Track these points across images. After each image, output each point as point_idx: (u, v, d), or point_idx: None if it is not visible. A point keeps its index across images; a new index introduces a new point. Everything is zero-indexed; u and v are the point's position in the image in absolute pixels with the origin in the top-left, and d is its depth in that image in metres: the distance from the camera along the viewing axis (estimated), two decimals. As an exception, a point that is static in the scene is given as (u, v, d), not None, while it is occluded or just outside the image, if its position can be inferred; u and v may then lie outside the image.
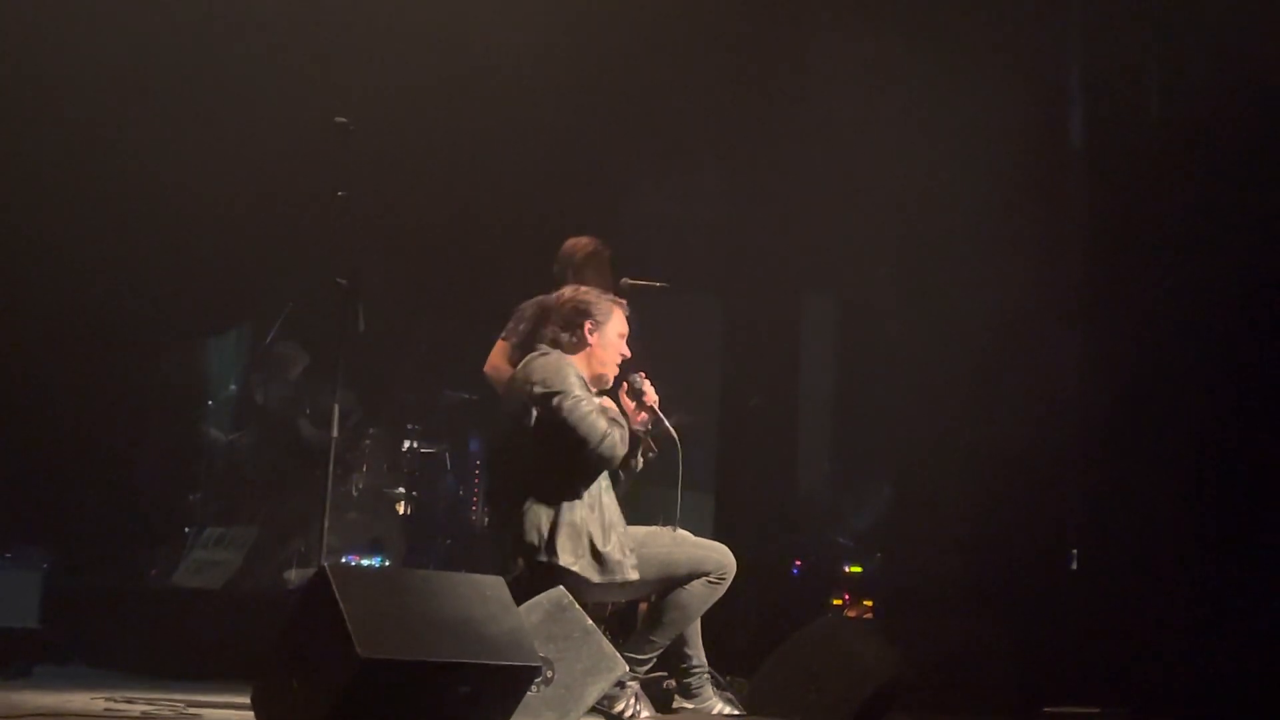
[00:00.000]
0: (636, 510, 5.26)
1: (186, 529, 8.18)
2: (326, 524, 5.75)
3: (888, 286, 7.95)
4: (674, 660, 5.10)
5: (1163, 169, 6.74)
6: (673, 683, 5.13)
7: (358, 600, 3.72)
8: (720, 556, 5.03)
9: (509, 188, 8.39)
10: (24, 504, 7.67)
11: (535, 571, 4.79)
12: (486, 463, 8.50)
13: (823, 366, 8.82)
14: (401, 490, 8.32)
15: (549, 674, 4.39)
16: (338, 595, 3.70)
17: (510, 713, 4.06)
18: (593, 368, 5.01)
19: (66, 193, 7.88)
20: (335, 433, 5.84)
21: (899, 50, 7.63)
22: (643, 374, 5.08)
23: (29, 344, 7.80)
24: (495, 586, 4.14)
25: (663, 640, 5.00)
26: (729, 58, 8.20)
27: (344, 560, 7.76)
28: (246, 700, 4.02)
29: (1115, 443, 6.70)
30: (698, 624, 5.10)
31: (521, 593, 4.54)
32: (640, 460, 5.10)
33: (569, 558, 4.78)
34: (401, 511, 8.31)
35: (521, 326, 6.05)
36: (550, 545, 4.79)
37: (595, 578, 4.81)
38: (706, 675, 5.14)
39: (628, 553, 4.88)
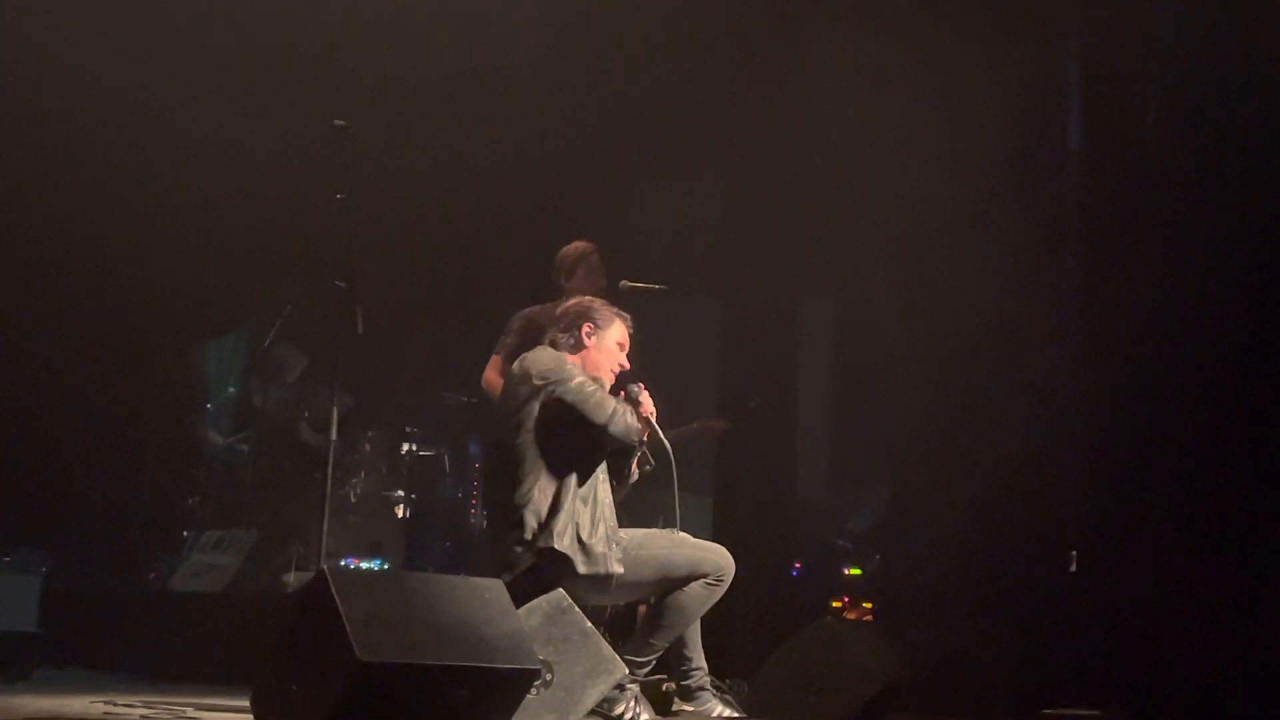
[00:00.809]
0: (635, 516, 5.27)
1: (185, 532, 8.18)
2: (325, 527, 5.76)
3: (886, 289, 7.94)
4: (673, 663, 5.10)
5: (1160, 170, 6.74)
6: (672, 685, 5.13)
7: (357, 603, 3.72)
8: (719, 558, 5.03)
9: (508, 190, 8.40)
10: (23, 507, 7.67)
11: (533, 556, 4.80)
12: (486, 463, 8.50)
13: (821, 369, 8.82)
14: (400, 493, 8.32)
15: (548, 677, 4.39)
16: (337, 598, 3.69)
17: (510, 716, 4.06)
18: (587, 370, 5.02)
19: (66, 196, 7.89)
20: (334, 436, 5.85)
21: (896, 52, 7.63)
22: (640, 385, 5.09)
23: (28, 347, 7.81)
24: (494, 589, 4.14)
25: (662, 642, 5.00)
26: (727, 60, 8.20)
27: (343, 563, 7.76)
28: (245, 703, 4.02)
29: (1113, 444, 6.70)
30: (697, 626, 5.10)
31: (519, 584, 4.58)
32: (636, 471, 5.13)
33: (567, 543, 4.79)
34: (400, 514, 8.31)
35: (509, 339, 6.10)
36: (547, 530, 4.80)
37: (582, 567, 4.80)
38: (706, 678, 5.14)
39: (613, 547, 4.88)
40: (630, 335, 5.17)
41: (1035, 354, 7.10)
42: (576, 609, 4.56)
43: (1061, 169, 7.29)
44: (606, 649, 4.56)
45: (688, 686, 5.11)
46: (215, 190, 8.04)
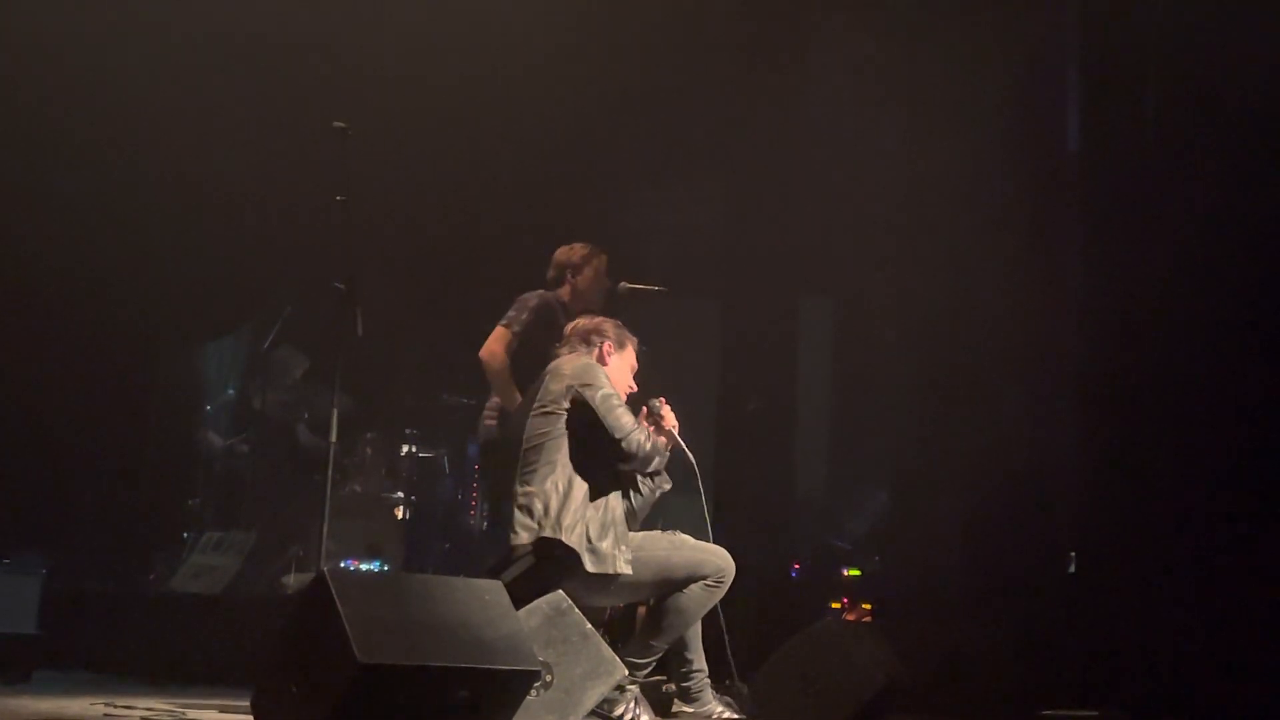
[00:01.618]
0: (642, 522, 5.30)
1: (185, 534, 8.19)
2: (325, 529, 5.76)
3: (885, 291, 7.95)
4: (673, 664, 5.11)
5: (1159, 171, 6.74)
6: (672, 686, 5.13)
7: (356, 605, 3.72)
8: (718, 560, 5.04)
9: (507, 192, 8.40)
10: (23, 509, 7.68)
11: (536, 546, 4.82)
12: (486, 463, 8.49)
13: (821, 370, 8.83)
14: (400, 495, 8.32)
15: (548, 678, 4.39)
16: (336, 600, 3.70)
17: (509, 717, 4.06)
18: None
19: (67, 197, 7.90)
20: (333, 437, 5.85)
21: (896, 55, 7.64)
22: (662, 399, 5.17)
23: (28, 349, 7.81)
24: (494, 591, 4.14)
25: (662, 644, 5.00)
26: (727, 63, 8.21)
27: (342, 565, 7.76)
28: (245, 705, 4.02)
29: (1112, 445, 6.70)
30: (697, 628, 5.10)
31: (521, 579, 4.61)
32: (657, 485, 5.17)
33: (575, 539, 4.80)
34: (400, 516, 8.31)
35: (524, 316, 6.09)
36: (556, 522, 4.82)
37: (589, 566, 4.82)
38: (706, 679, 5.14)
39: (622, 549, 4.90)
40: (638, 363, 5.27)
41: (1034, 355, 7.11)
42: (576, 610, 4.57)
43: (1060, 170, 7.30)
44: (606, 650, 4.56)
45: (687, 688, 5.11)
46: (215, 192, 8.05)
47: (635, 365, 5.25)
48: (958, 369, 7.25)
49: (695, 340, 8.39)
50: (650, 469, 5.08)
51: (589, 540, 4.84)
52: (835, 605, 7.70)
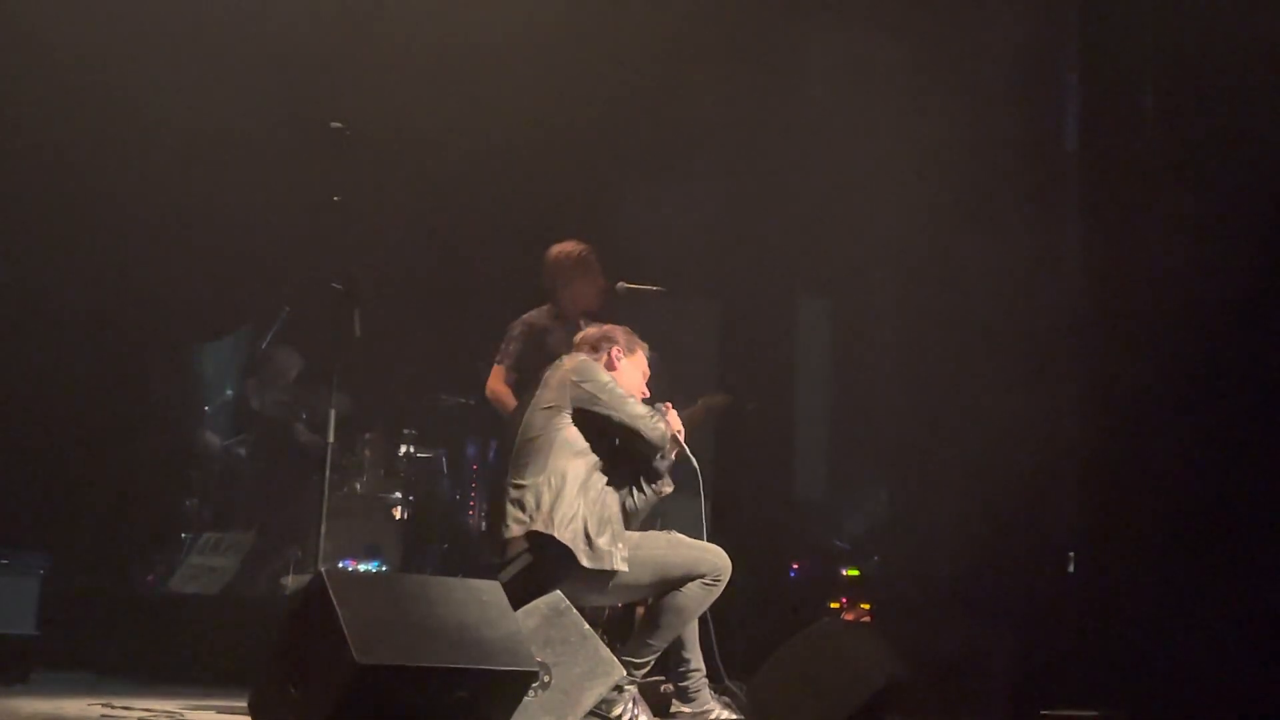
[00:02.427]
0: (641, 523, 5.30)
1: (183, 535, 8.17)
2: (323, 529, 5.76)
3: (884, 290, 7.95)
4: (672, 664, 5.11)
5: (1158, 170, 6.74)
6: (670, 686, 5.13)
7: (354, 606, 3.72)
8: (715, 558, 5.04)
9: (505, 192, 8.39)
10: (21, 509, 7.67)
11: (529, 541, 4.82)
12: (484, 465, 8.49)
13: (819, 370, 8.82)
14: (398, 495, 8.31)
15: (546, 678, 4.39)
16: (334, 601, 3.70)
17: (508, 717, 4.06)
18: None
19: (63, 198, 7.88)
20: (331, 438, 5.85)
21: (894, 54, 7.64)
22: (667, 404, 5.19)
23: (26, 349, 7.80)
24: (492, 591, 4.14)
25: (660, 643, 5.00)
26: (725, 62, 8.21)
27: (340, 565, 7.75)
28: (243, 706, 4.02)
29: (1112, 445, 6.70)
30: (695, 627, 5.10)
31: (518, 576, 4.64)
32: (658, 489, 5.18)
33: (566, 534, 4.80)
34: (398, 516, 8.30)
35: (511, 347, 6.09)
36: (549, 518, 4.83)
37: (585, 561, 4.82)
38: (704, 679, 5.14)
39: (619, 545, 4.91)
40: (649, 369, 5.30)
41: (1033, 355, 7.11)
42: (574, 610, 4.57)
43: (1059, 169, 7.30)
44: (604, 650, 4.56)
45: (686, 688, 5.11)
46: (213, 192, 8.04)
47: (647, 371, 5.27)
48: (956, 369, 7.25)
49: (694, 340, 8.39)
50: (661, 447, 5.08)
51: (585, 535, 4.85)
52: (834, 605, 7.71)
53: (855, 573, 8.02)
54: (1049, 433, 6.96)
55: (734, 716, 5.14)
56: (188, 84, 7.94)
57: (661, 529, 5.22)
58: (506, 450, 5.12)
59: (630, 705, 4.79)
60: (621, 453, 5.07)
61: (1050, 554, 6.95)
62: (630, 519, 5.16)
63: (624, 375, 5.17)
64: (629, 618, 5.26)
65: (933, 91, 7.40)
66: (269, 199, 8.12)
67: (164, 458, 8.74)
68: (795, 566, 8.23)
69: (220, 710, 5.04)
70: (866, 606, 7.66)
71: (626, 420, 4.97)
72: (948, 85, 7.30)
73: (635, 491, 5.19)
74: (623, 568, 4.88)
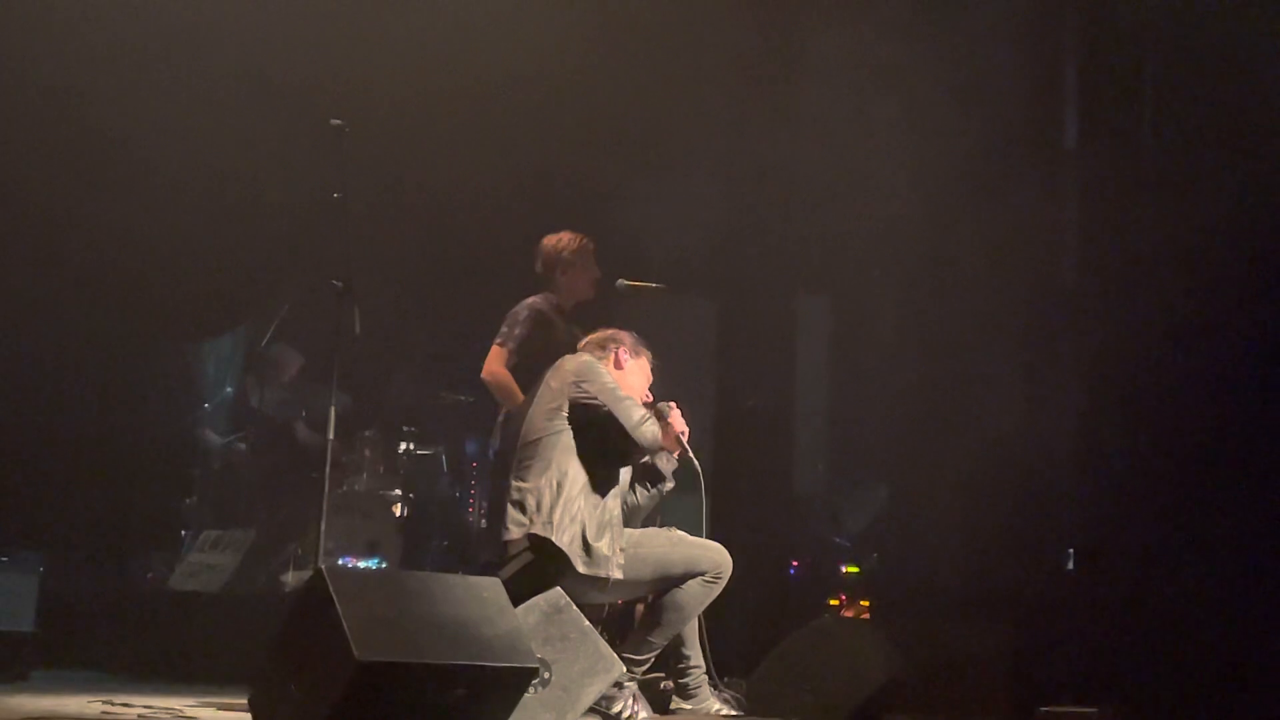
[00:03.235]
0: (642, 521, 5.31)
1: (183, 532, 8.18)
2: (323, 526, 5.76)
3: (883, 287, 7.95)
4: (672, 661, 5.11)
5: (1157, 169, 6.75)
6: (670, 683, 5.13)
7: (355, 603, 3.72)
8: (716, 555, 5.05)
9: (504, 189, 8.39)
10: (20, 507, 7.67)
11: (528, 543, 4.83)
12: (484, 462, 8.49)
13: (819, 367, 8.82)
14: (398, 492, 8.31)
15: (546, 675, 4.39)
16: (335, 598, 3.70)
17: (508, 714, 4.06)
18: (620, 387, 5.10)
19: (63, 196, 7.88)
20: (331, 435, 5.85)
21: (894, 52, 7.63)
22: (672, 403, 5.18)
23: (26, 347, 7.80)
24: (492, 588, 4.14)
25: (660, 640, 5.01)
26: (724, 60, 8.20)
27: (341, 562, 7.76)
28: (244, 703, 4.02)
29: (1111, 442, 6.71)
30: (695, 624, 5.10)
31: (517, 576, 4.65)
32: (661, 488, 5.18)
33: (565, 539, 4.81)
34: (398, 514, 8.30)
35: (517, 331, 6.07)
36: (547, 521, 4.83)
37: (581, 567, 4.83)
38: (704, 676, 5.14)
39: (617, 551, 4.92)
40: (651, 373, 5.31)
41: (1033, 352, 7.11)
42: (574, 607, 4.57)
43: (1058, 167, 7.30)
44: (604, 647, 4.56)
45: (685, 684, 5.12)
46: (213, 190, 8.04)
47: (650, 377, 5.27)
48: (956, 366, 7.25)
49: (694, 337, 8.38)
50: (657, 451, 5.09)
51: (583, 540, 4.86)
52: (833, 602, 7.70)
53: (855, 570, 8.02)
54: (1048, 430, 6.96)
55: (734, 713, 5.14)
56: (187, 82, 7.94)
57: (662, 527, 5.22)
58: (509, 448, 5.13)
59: (630, 702, 4.80)
60: (621, 449, 5.07)
61: (1049, 551, 6.94)
62: (632, 516, 5.17)
63: (628, 377, 5.18)
64: (629, 614, 5.26)
65: (932, 87, 7.39)
66: (269, 196, 8.12)
67: (164, 455, 8.75)
68: (795, 564, 8.23)
69: (221, 707, 5.04)
70: (866, 604, 7.66)
71: (620, 421, 4.96)
72: (947, 83, 7.29)
73: (637, 489, 5.21)
74: (618, 575, 4.89)
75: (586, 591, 4.86)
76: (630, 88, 8.14)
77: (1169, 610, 6.25)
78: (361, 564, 7.89)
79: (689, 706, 5.10)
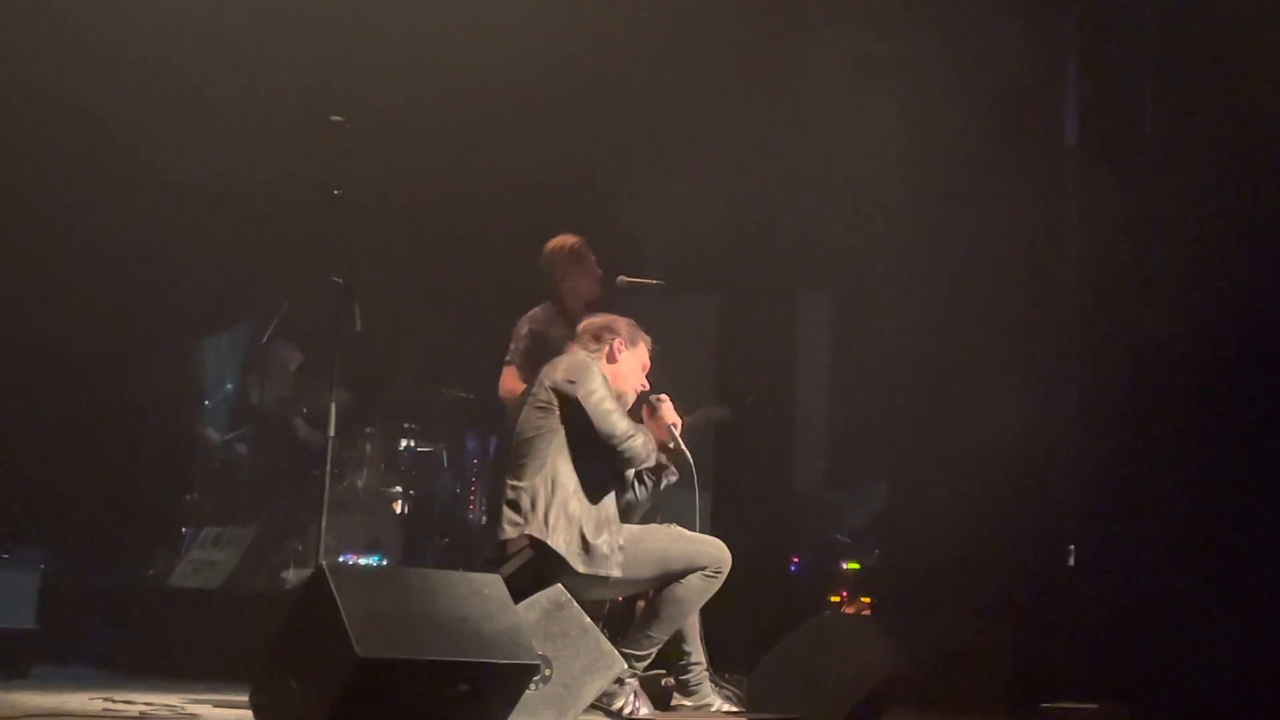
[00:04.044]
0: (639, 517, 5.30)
1: (184, 529, 8.18)
2: (324, 523, 5.76)
3: (884, 284, 7.94)
4: (672, 657, 5.11)
5: (1158, 165, 6.74)
6: (671, 680, 5.13)
7: (355, 599, 3.72)
8: (716, 551, 5.05)
9: (505, 185, 8.38)
10: (21, 505, 7.67)
11: (525, 542, 4.84)
12: (485, 459, 8.50)
13: (819, 364, 8.82)
14: (399, 489, 8.32)
15: (547, 672, 4.39)
16: (335, 594, 3.70)
17: (509, 711, 4.06)
18: (615, 383, 5.09)
19: (63, 194, 7.88)
20: (332, 432, 5.85)
21: (894, 47, 7.63)
22: (663, 396, 5.19)
23: (26, 344, 7.80)
24: (493, 585, 4.14)
25: (660, 636, 5.01)
26: (724, 55, 8.20)
27: (341, 559, 7.76)
28: (245, 700, 4.02)
29: (1112, 438, 6.71)
30: (696, 620, 5.10)
31: (516, 575, 4.64)
32: (662, 480, 5.18)
33: (560, 540, 4.81)
34: (399, 510, 8.30)
35: (520, 347, 6.11)
36: (544, 521, 4.83)
37: (580, 567, 4.83)
38: (705, 672, 5.15)
39: (616, 550, 4.92)
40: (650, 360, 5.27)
41: (1033, 348, 7.11)
42: (575, 604, 4.57)
43: (1059, 164, 7.29)
44: (605, 643, 4.56)
45: (686, 681, 5.12)
46: (213, 187, 8.03)
47: (648, 364, 5.25)
48: (957, 362, 7.25)
49: (694, 334, 8.38)
50: (644, 466, 5.09)
51: (582, 539, 4.86)
52: (835, 599, 7.71)
53: (855, 566, 8.03)
54: (1049, 426, 6.96)
55: (735, 709, 5.14)
56: (187, 78, 7.94)
57: (660, 522, 5.22)
58: (507, 448, 5.13)
59: (631, 698, 4.80)
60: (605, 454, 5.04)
61: (1050, 547, 6.94)
62: (632, 511, 5.17)
63: (623, 368, 5.15)
64: (630, 610, 5.26)
65: (932, 85, 7.39)
66: (269, 192, 8.11)
67: (164, 452, 8.75)
68: (795, 560, 8.24)
69: (221, 704, 5.04)
70: (867, 600, 7.67)
71: (605, 437, 4.93)
72: (948, 79, 7.29)
73: (637, 485, 5.20)
74: (617, 573, 4.89)
75: (587, 588, 4.86)
76: (631, 84, 8.14)
77: (1169, 606, 6.26)
78: (362, 561, 7.90)
79: (690, 703, 5.10)
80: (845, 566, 8.07)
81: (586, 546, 4.86)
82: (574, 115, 8.29)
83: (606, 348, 5.16)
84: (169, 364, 9.09)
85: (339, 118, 5.80)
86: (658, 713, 4.95)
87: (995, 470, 6.90)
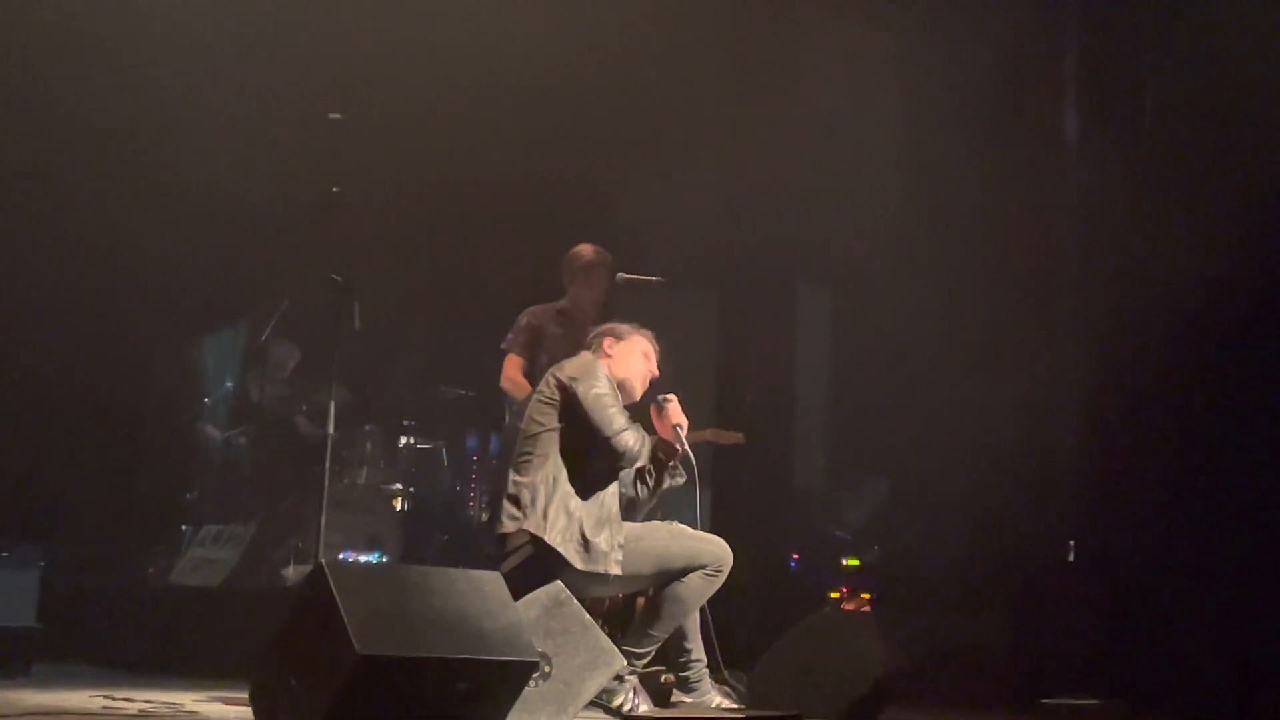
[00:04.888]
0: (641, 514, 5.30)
1: (184, 527, 8.18)
2: (324, 521, 5.76)
3: (883, 280, 7.94)
4: (672, 654, 5.11)
5: (1158, 161, 6.74)
6: (671, 676, 5.14)
7: (355, 597, 3.73)
8: (716, 549, 5.05)
9: (504, 184, 8.38)
10: (21, 503, 7.67)
11: (524, 538, 4.85)
12: (484, 457, 8.50)
13: (819, 360, 8.82)
14: (398, 487, 8.32)
15: (547, 669, 4.40)
16: (335, 592, 3.70)
17: (508, 708, 4.06)
18: (614, 373, 5.14)
19: (63, 193, 7.88)
20: (331, 430, 5.85)
21: (893, 43, 7.63)
22: (671, 395, 5.21)
23: (26, 342, 7.80)
24: (493, 582, 4.15)
25: (661, 634, 5.02)
26: (723, 52, 8.20)
27: (341, 557, 7.76)
28: (245, 697, 4.03)
29: (1112, 434, 6.71)
30: (696, 617, 5.11)
31: (517, 570, 4.66)
32: (666, 479, 5.19)
33: (557, 537, 4.83)
34: (398, 508, 8.30)
35: (520, 338, 6.28)
36: (542, 517, 4.85)
37: (579, 564, 4.85)
38: (705, 669, 5.15)
39: (615, 547, 4.93)
40: (656, 349, 5.30)
41: (1034, 344, 7.11)
42: (575, 601, 4.57)
43: (1059, 161, 7.29)
44: (605, 641, 4.57)
45: (686, 677, 5.12)
46: (212, 185, 8.03)
47: (649, 351, 5.27)
48: (957, 358, 7.25)
49: (693, 331, 8.38)
50: (638, 465, 5.10)
51: (582, 536, 4.88)
52: (834, 595, 7.71)
53: (855, 562, 8.02)
54: (1049, 423, 6.96)
55: (735, 706, 5.15)
56: (186, 78, 7.93)
57: (662, 520, 5.23)
58: (510, 440, 5.15)
59: (631, 695, 4.81)
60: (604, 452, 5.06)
61: (1050, 543, 6.95)
62: (635, 509, 5.18)
63: (620, 362, 5.19)
64: (630, 608, 5.27)
65: (932, 81, 7.39)
66: (268, 191, 8.11)
67: (164, 450, 8.75)
68: (795, 556, 8.24)
69: (221, 701, 5.05)
70: (867, 596, 7.67)
71: (599, 430, 4.96)
72: (947, 75, 7.29)
73: (639, 484, 5.21)
74: (616, 571, 4.91)
75: (587, 586, 4.87)
76: (631, 82, 8.14)
77: (1169, 603, 6.26)
78: (362, 558, 7.89)
79: (690, 699, 5.10)
80: (845, 563, 8.07)
81: (586, 544, 4.87)
82: (574, 114, 8.29)
83: (600, 350, 5.20)
84: (169, 362, 9.09)
85: (338, 116, 5.81)
86: (657, 710, 4.95)
87: (995, 467, 6.90)
